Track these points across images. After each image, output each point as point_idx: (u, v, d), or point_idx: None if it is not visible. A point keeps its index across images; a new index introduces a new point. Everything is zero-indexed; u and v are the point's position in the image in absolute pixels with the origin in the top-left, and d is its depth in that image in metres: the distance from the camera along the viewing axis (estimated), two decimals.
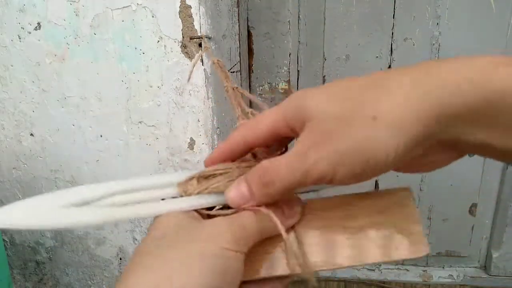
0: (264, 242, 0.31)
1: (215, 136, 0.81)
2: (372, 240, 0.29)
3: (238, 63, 0.91)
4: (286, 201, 0.31)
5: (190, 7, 0.73)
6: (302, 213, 0.32)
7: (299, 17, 1.01)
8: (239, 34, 0.90)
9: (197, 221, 0.29)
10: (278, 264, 0.30)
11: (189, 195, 0.31)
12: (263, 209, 0.29)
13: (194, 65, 0.74)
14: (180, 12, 0.73)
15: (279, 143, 0.32)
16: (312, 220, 0.31)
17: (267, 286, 0.31)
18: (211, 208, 0.31)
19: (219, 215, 0.30)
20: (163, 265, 0.25)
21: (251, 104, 1.05)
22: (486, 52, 0.90)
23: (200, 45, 0.74)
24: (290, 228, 0.31)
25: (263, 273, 0.30)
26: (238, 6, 0.88)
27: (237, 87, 0.41)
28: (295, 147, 0.27)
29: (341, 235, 0.30)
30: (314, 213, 0.32)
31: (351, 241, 0.30)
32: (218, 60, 0.43)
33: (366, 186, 0.34)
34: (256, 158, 0.33)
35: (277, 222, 0.28)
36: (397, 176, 1.13)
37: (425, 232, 0.30)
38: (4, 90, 0.85)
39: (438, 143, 0.26)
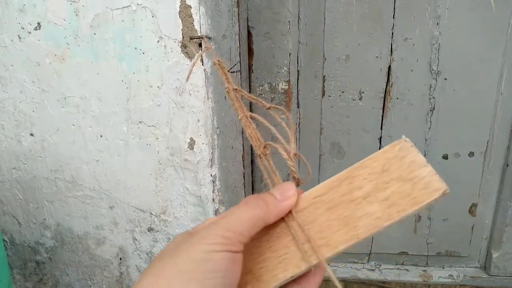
0: (275, 247, 0.31)
1: (215, 136, 0.81)
2: (383, 201, 0.28)
3: (238, 63, 0.91)
4: (277, 187, 0.32)
5: (190, 7, 0.73)
6: (300, 199, 0.31)
7: (299, 17, 1.01)
8: (239, 34, 0.90)
9: (195, 233, 0.30)
10: (292, 262, 0.30)
11: None
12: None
13: (194, 64, 0.74)
14: (180, 12, 0.73)
15: None
16: (317, 207, 0.31)
17: None
18: None
19: None
20: (161, 276, 0.27)
21: (250, 106, 1.05)
22: (486, 52, 0.89)
23: (200, 45, 0.74)
24: (289, 215, 0.31)
25: (281, 276, 0.30)
26: (238, 6, 0.88)
27: (237, 89, 0.41)
28: None
29: (351, 209, 0.29)
30: (317, 200, 0.31)
31: (362, 210, 0.29)
32: (218, 60, 0.43)
33: None
34: None
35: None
36: None
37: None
38: (4, 90, 0.85)
39: None
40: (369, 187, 0.29)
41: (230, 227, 0.28)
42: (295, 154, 0.34)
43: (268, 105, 0.39)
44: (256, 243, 0.31)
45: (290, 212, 0.31)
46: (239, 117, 0.38)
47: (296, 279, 0.31)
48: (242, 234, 0.28)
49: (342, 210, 0.30)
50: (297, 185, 0.34)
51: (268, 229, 0.32)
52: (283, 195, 0.31)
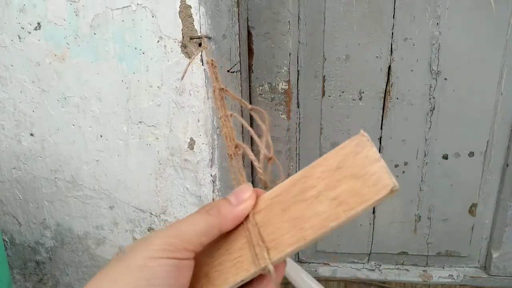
0: (231, 249, 0.30)
1: (215, 136, 0.81)
2: (333, 200, 0.27)
3: (238, 63, 0.91)
4: (233, 191, 0.31)
5: (190, 7, 0.73)
6: (260, 200, 0.31)
7: (299, 17, 1.01)
8: (239, 34, 0.90)
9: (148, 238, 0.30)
10: (243, 266, 0.29)
11: None
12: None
13: (189, 64, 0.74)
14: (180, 12, 0.73)
15: None
16: (273, 208, 0.30)
17: None
18: None
19: None
20: (104, 280, 0.26)
21: (250, 101, 1.04)
22: (486, 52, 0.89)
23: (200, 45, 0.74)
24: (247, 217, 0.30)
25: (232, 280, 0.29)
26: (238, 6, 0.88)
27: (223, 88, 0.41)
28: None
29: (302, 209, 0.28)
30: (272, 201, 0.30)
31: (311, 210, 0.28)
32: (212, 60, 0.44)
33: None
34: None
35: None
36: (397, 176, 1.12)
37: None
38: (4, 90, 0.85)
39: None
40: (321, 185, 0.28)
41: (177, 234, 0.28)
42: (270, 159, 0.34)
43: (250, 107, 0.40)
44: (215, 246, 0.31)
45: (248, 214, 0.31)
46: (219, 115, 0.39)
47: (250, 283, 0.30)
48: (191, 242, 0.28)
49: (294, 211, 0.29)
50: (265, 187, 0.33)
51: (228, 231, 0.31)
52: (238, 198, 0.31)
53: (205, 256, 0.30)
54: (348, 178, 0.27)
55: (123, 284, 0.26)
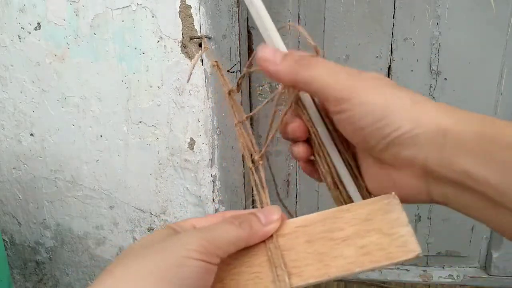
0: (250, 263, 0.31)
1: (215, 136, 0.81)
2: (360, 248, 0.30)
3: (238, 63, 0.91)
4: (262, 209, 0.33)
5: (190, 7, 0.73)
6: (283, 224, 0.32)
7: (299, 17, 1.01)
8: (239, 34, 0.90)
9: (176, 233, 0.31)
10: (262, 282, 0.30)
11: None
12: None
13: (193, 66, 0.74)
14: (180, 12, 0.73)
15: None
16: (297, 236, 0.32)
17: None
18: None
19: None
20: (130, 273, 0.27)
21: (251, 106, 1.04)
22: (486, 52, 0.88)
23: (200, 45, 0.74)
24: (270, 238, 0.32)
25: None
26: (238, 6, 0.88)
27: (232, 90, 0.40)
28: None
29: (328, 247, 0.30)
30: (297, 230, 0.32)
31: (338, 251, 0.30)
32: (217, 62, 0.43)
33: None
34: None
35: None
36: None
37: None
38: (4, 90, 0.85)
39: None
40: (350, 231, 0.30)
41: (211, 239, 0.29)
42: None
43: (314, 43, 0.38)
44: (233, 255, 0.32)
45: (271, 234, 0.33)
46: (234, 122, 0.38)
47: None
48: (222, 250, 0.29)
49: (320, 246, 0.31)
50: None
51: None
52: (268, 219, 0.32)
53: (221, 262, 0.31)
54: (376, 232, 0.30)
55: (158, 280, 0.26)
